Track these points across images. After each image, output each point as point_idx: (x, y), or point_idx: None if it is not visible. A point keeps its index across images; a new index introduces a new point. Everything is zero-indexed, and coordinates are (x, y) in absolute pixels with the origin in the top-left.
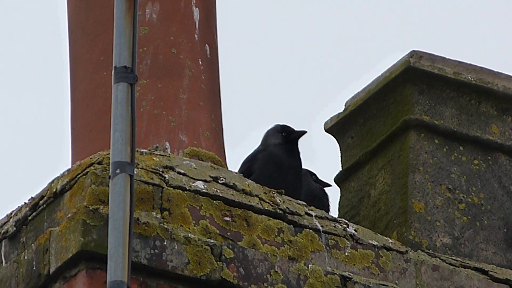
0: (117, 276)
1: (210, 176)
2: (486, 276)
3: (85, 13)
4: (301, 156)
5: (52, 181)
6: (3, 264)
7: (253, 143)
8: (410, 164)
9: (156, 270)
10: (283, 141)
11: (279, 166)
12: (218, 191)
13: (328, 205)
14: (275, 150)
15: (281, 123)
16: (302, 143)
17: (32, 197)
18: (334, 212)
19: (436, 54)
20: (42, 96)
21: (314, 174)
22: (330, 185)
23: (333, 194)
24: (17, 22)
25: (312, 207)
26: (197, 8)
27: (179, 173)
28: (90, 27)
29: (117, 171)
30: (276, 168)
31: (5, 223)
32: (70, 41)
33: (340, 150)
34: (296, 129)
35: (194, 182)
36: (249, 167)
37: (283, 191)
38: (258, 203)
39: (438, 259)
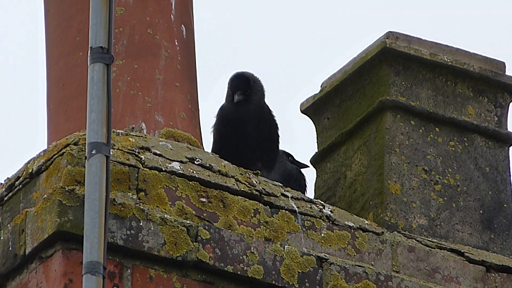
0: (93, 256)
1: (186, 157)
2: (462, 257)
3: None
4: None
5: (28, 162)
6: None
7: None
8: (386, 145)
9: (132, 251)
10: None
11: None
12: (194, 172)
13: (305, 186)
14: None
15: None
16: (279, 125)
17: (8, 178)
18: (310, 193)
19: (412, 35)
20: (17, 76)
21: (291, 155)
22: (307, 166)
23: (309, 175)
24: None
25: (288, 188)
26: None
27: (155, 154)
28: (66, 7)
29: (93, 151)
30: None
31: None
32: (46, 20)
33: (316, 131)
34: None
35: (170, 163)
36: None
37: (259, 172)
38: (234, 184)
39: (414, 240)
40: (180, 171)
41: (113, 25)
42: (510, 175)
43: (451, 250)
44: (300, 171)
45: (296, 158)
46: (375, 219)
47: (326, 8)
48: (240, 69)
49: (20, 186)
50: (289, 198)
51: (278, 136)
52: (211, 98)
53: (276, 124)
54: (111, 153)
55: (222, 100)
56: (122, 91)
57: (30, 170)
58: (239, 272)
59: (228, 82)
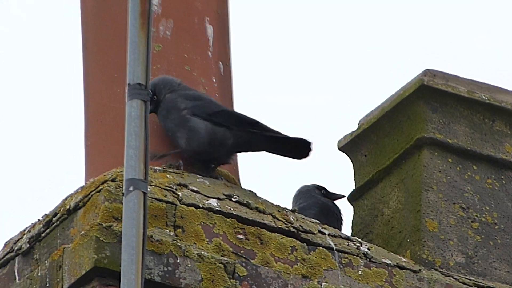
0: None
1: (224, 194)
2: None
3: (99, 29)
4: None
5: (66, 198)
6: (17, 281)
7: (265, 161)
8: (424, 182)
9: None
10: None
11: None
12: (232, 208)
13: (341, 218)
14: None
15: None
16: (314, 160)
17: (45, 214)
18: (347, 230)
19: (449, 72)
20: (54, 112)
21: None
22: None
23: (347, 211)
24: (32, 40)
25: (326, 226)
26: (210, 25)
27: (192, 190)
28: (104, 43)
29: (131, 188)
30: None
31: (18, 239)
32: (84, 56)
33: (354, 168)
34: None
35: (207, 200)
36: None
37: (296, 209)
38: (271, 221)
39: (451, 278)
40: (217, 208)
41: (151, 61)
42: None
43: None
44: (335, 204)
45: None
46: (412, 257)
47: (363, 46)
48: (277, 106)
49: (58, 222)
50: (326, 235)
51: None
52: None
53: None
54: (149, 189)
55: None
56: (160, 128)
57: (68, 207)
58: None
59: (306, 191)
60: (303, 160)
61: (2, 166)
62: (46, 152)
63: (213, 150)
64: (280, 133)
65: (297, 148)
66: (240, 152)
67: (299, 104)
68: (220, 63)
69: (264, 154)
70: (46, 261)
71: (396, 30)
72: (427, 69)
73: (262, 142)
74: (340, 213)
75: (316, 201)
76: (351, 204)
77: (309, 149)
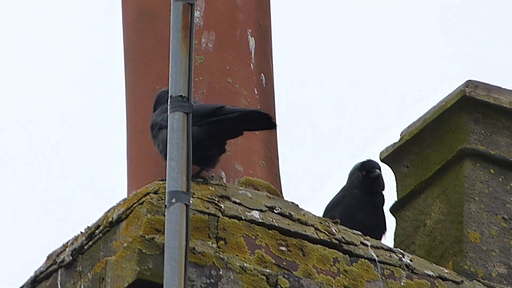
0: None
1: (266, 206)
2: None
3: (141, 41)
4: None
5: (108, 211)
6: None
7: (307, 172)
8: (466, 193)
9: None
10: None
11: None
12: (274, 220)
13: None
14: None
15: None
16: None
17: (88, 227)
18: (389, 241)
19: (491, 84)
20: (98, 126)
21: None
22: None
23: (389, 223)
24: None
25: (368, 237)
26: (252, 38)
27: (234, 202)
28: (145, 55)
29: (173, 200)
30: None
31: (61, 252)
32: (126, 69)
33: (396, 179)
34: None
35: (249, 212)
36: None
37: (338, 220)
38: (313, 233)
39: None
40: (259, 220)
41: (193, 73)
42: None
43: None
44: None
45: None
46: (455, 268)
47: (405, 56)
48: (318, 117)
49: (100, 234)
50: (369, 247)
51: None
52: (290, 145)
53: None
54: (191, 201)
55: (299, 148)
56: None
57: (110, 219)
58: None
59: (353, 169)
60: (273, 129)
61: (45, 178)
62: (88, 164)
63: (194, 152)
64: (240, 110)
65: (262, 120)
66: (223, 139)
67: (341, 115)
68: (262, 74)
69: (306, 163)
70: (88, 274)
71: (438, 41)
72: (469, 80)
73: (231, 124)
74: (372, 199)
75: (346, 197)
76: (393, 215)
77: (269, 118)
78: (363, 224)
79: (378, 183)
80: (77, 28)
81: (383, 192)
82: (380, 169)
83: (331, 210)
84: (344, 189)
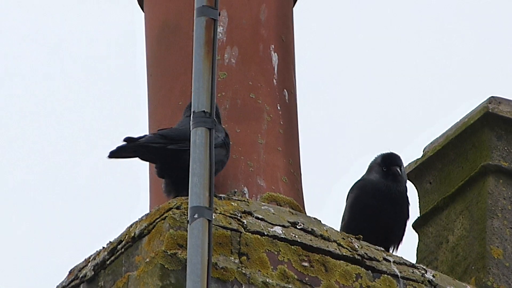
0: None
1: (288, 221)
2: None
3: (165, 56)
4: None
5: (131, 226)
6: None
7: (331, 186)
8: (489, 209)
9: None
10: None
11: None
12: (296, 236)
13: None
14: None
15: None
16: None
17: (110, 242)
18: (412, 257)
19: None
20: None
21: (388, 161)
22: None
23: (412, 239)
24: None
25: (391, 253)
26: (275, 53)
27: (257, 218)
28: (169, 70)
29: (195, 216)
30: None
31: (83, 267)
32: (149, 83)
33: (418, 195)
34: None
35: (272, 227)
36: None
37: (361, 236)
38: (336, 248)
39: None
40: (282, 235)
41: (215, 89)
42: None
43: None
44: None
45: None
46: (477, 284)
47: (427, 72)
48: (340, 133)
49: (123, 250)
50: (391, 263)
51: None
52: (313, 162)
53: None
54: (213, 217)
55: (324, 162)
56: None
57: (133, 234)
58: None
59: (374, 161)
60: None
61: (69, 192)
62: (111, 178)
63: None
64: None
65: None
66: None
67: (364, 132)
68: (285, 90)
69: (328, 179)
70: None
71: (461, 57)
72: (492, 96)
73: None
74: (387, 196)
75: (360, 183)
76: (416, 231)
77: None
78: (374, 212)
79: (399, 180)
80: (101, 43)
81: (405, 183)
82: (401, 165)
83: (347, 197)
84: (362, 178)
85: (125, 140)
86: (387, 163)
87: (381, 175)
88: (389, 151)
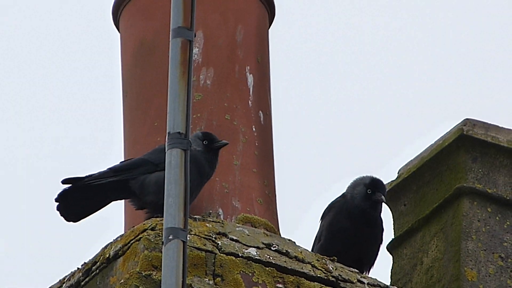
0: None
1: (263, 243)
2: None
3: (140, 76)
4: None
5: (105, 247)
6: None
7: (305, 208)
8: (463, 231)
9: None
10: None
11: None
12: (271, 257)
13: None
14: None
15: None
16: None
17: (85, 262)
18: (386, 279)
19: (489, 122)
20: (96, 162)
21: (373, 186)
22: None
23: (386, 261)
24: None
25: (365, 275)
26: (251, 74)
27: (232, 239)
28: (144, 91)
29: (170, 237)
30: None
31: None
32: (124, 104)
33: (393, 217)
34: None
35: (247, 249)
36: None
37: (335, 258)
38: (310, 270)
39: None
40: (257, 257)
41: (191, 110)
42: None
43: None
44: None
45: None
46: None
47: (402, 95)
48: (315, 154)
49: (97, 270)
50: (365, 285)
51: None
52: (288, 183)
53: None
54: (188, 238)
55: (299, 184)
56: None
57: (107, 255)
58: None
59: (360, 180)
60: None
61: (42, 212)
62: None
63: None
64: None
65: None
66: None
67: (338, 154)
68: (261, 112)
69: (302, 199)
70: None
71: (435, 79)
72: (467, 119)
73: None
74: (366, 218)
75: (340, 202)
76: (390, 253)
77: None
78: (351, 234)
79: (378, 207)
80: (76, 62)
81: (381, 205)
82: (385, 194)
83: (324, 215)
84: (342, 195)
85: (65, 182)
86: (374, 187)
87: (362, 197)
88: (377, 176)
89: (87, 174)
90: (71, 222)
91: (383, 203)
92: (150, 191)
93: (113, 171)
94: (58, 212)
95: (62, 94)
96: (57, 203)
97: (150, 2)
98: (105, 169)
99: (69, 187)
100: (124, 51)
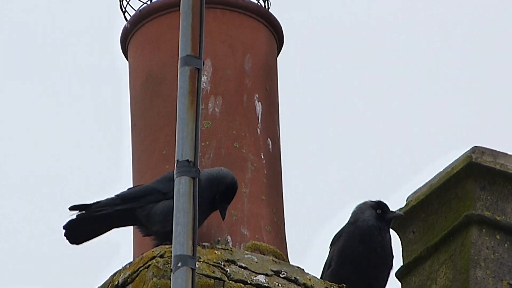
0: None
1: (272, 270)
2: None
3: (149, 106)
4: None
5: (114, 274)
6: None
7: (315, 236)
8: (472, 259)
9: None
10: (376, 218)
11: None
12: (280, 285)
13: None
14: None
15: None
16: None
17: None
18: None
19: (498, 150)
20: (105, 190)
21: (381, 206)
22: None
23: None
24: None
25: None
26: (259, 103)
27: (240, 266)
28: (153, 120)
29: (179, 264)
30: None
31: None
32: (133, 133)
33: (402, 245)
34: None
35: (255, 276)
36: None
37: (344, 285)
38: None
39: None
40: (265, 284)
41: (199, 138)
42: None
43: None
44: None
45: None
46: None
47: (410, 121)
48: (324, 182)
49: None
50: None
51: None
52: (296, 210)
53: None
54: (197, 265)
55: (307, 211)
56: None
57: (116, 282)
58: None
59: (364, 205)
60: None
61: (49, 240)
62: None
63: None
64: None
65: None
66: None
67: (346, 182)
68: (269, 139)
69: (311, 227)
70: None
71: (444, 107)
72: (475, 146)
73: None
74: (379, 240)
75: (350, 228)
76: (399, 280)
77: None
78: (362, 259)
79: (389, 233)
80: (83, 93)
81: (389, 232)
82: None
83: (334, 241)
84: (349, 223)
85: (72, 208)
86: (382, 207)
87: (375, 218)
88: (377, 199)
89: (95, 201)
90: (74, 245)
91: (391, 229)
92: (156, 221)
93: (120, 198)
94: (64, 238)
95: (70, 122)
96: (64, 230)
97: (158, 31)
98: (112, 195)
99: (77, 219)
100: (133, 80)
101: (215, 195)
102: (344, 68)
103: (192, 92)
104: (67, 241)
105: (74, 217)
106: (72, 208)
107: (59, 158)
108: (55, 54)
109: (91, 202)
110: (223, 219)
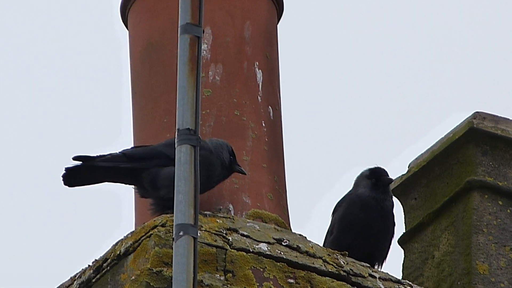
0: None
1: (274, 238)
2: None
3: (149, 74)
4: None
5: (116, 244)
6: None
7: (317, 203)
8: (474, 225)
9: None
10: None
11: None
12: (282, 253)
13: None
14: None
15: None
16: None
17: (95, 260)
18: (397, 273)
19: (499, 115)
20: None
21: (377, 174)
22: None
23: (397, 255)
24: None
25: (376, 269)
26: (260, 70)
27: (242, 235)
28: (153, 88)
29: (181, 233)
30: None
31: (69, 285)
32: (133, 101)
33: (404, 211)
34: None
35: (257, 244)
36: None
37: (346, 252)
38: (321, 265)
39: None
40: (267, 252)
41: (200, 106)
42: None
43: None
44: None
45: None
46: None
47: (411, 88)
48: (325, 149)
49: (108, 267)
50: (377, 279)
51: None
52: (298, 178)
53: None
54: (199, 234)
55: (309, 178)
56: None
57: (118, 252)
58: None
59: (360, 176)
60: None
61: (52, 211)
62: (96, 196)
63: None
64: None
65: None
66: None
67: (348, 149)
68: (270, 107)
69: (312, 194)
70: None
71: (445, 72)
72: (477, 112)
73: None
74: (378, 210)
75: (351, 196)
76: (402, 247)
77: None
78: (364, 226)
79: (388, 190)
80: (84, 62)
81: (392, 198)
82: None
83: (336, 209)
84: (350, 192)
85: (76, 158)
86: (377, 175)
87: (370, 188)
88: (375, 165)
89: (98, 154)
90: (67, 186)
91: (392, 195)
92: (163, 185)
93: (126, 156)
94: (61, 178)
95: (70, 93)
96: (65, 172)
97: (158, 0)
98: (117, 151)
99: (79, 165)
100: (133, 49)
101: (229, 159)
102: (344, 33)
103: (192, 60)
104: (63, 182)
105: (76, 164)
106: (76, 158)
107: (60, 129)
108: (57, 24)
109: (94, 155)
110: (246, 174)
